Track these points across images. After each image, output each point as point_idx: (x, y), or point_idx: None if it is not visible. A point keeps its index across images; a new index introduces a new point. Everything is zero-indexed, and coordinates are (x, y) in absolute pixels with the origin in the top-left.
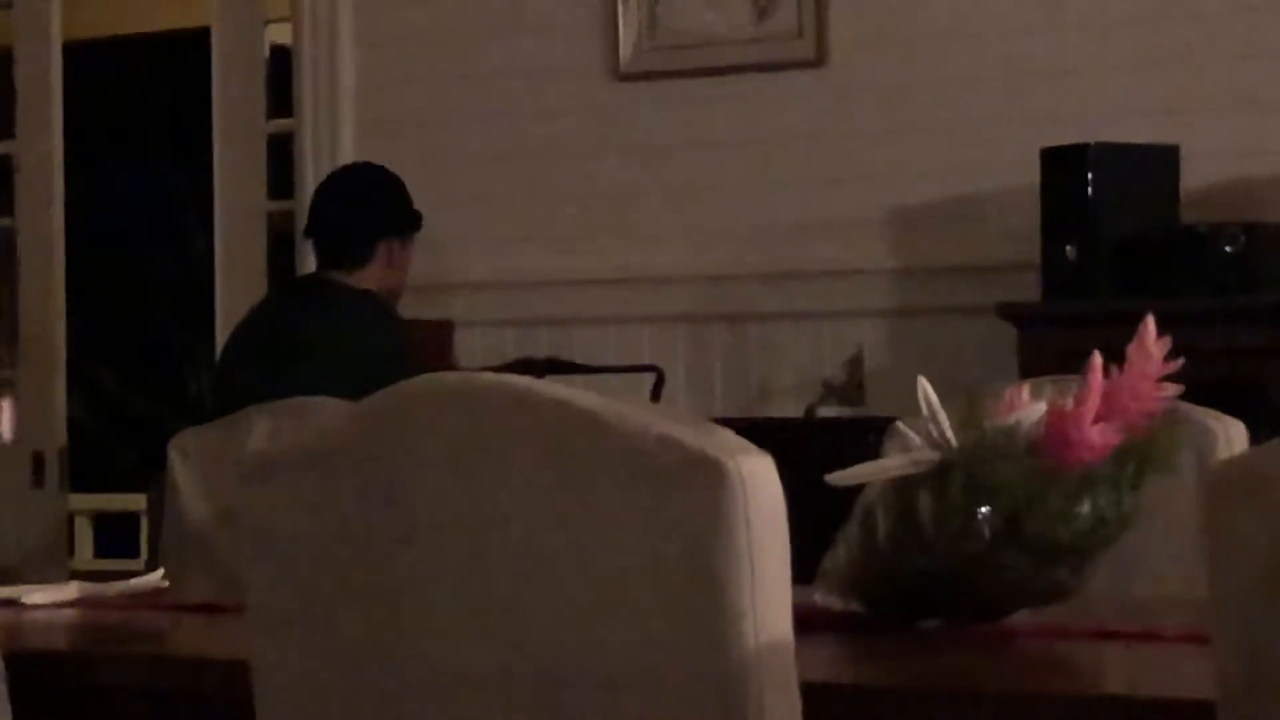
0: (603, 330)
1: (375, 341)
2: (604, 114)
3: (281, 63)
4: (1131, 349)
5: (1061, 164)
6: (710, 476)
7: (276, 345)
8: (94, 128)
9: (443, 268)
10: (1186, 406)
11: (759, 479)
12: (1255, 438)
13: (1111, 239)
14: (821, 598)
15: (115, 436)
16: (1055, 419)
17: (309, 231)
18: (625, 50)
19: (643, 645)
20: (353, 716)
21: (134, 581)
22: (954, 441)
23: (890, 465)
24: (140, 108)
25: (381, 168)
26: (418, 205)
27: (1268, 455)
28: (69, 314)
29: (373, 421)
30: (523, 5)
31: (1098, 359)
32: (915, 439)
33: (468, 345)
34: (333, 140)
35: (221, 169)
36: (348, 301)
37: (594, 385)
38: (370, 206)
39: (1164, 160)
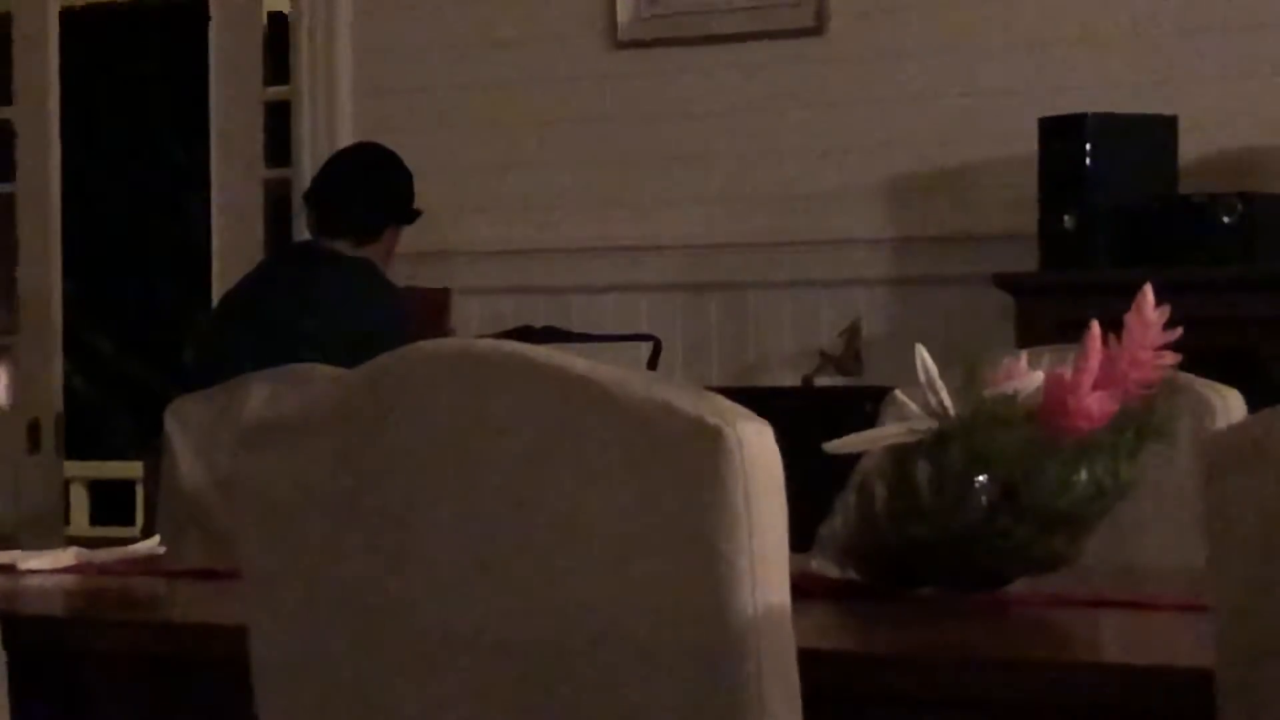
0: (600, 299)
1: (378, 309)
2: (602, 82)
3: (279, 30)
4: (1129, 318)
5: (1060, 134)
6: (709, 443)
7: (277, 309)
8: (92, 94)
9: (440, 235)
10: (1184, 376)
11: (757, 446)
12: (1253, 407)
13: (1109, 209)
14: (818, 565)
15: (112, 403)
16: (1053, 388)
17: (315, 197)
18: (623, 17)
19: (640, 611)
20: (350, 681)
21: (131, 547)
22: (952, 410)
23: (888, 433)
24: (138, 74)
25: (397, 156)
26: (416, 174)
27: (1266, 424)
28: (66, 280)
29: (370, 388)
30: None
31: (1096, 328)
32: (913, 408)
33: (464, 313)
34: (330, 108)
35: (219, 136)
36: (350, 268)
37: (591, 354)
38: (388, 189)
39: (1162, 130)
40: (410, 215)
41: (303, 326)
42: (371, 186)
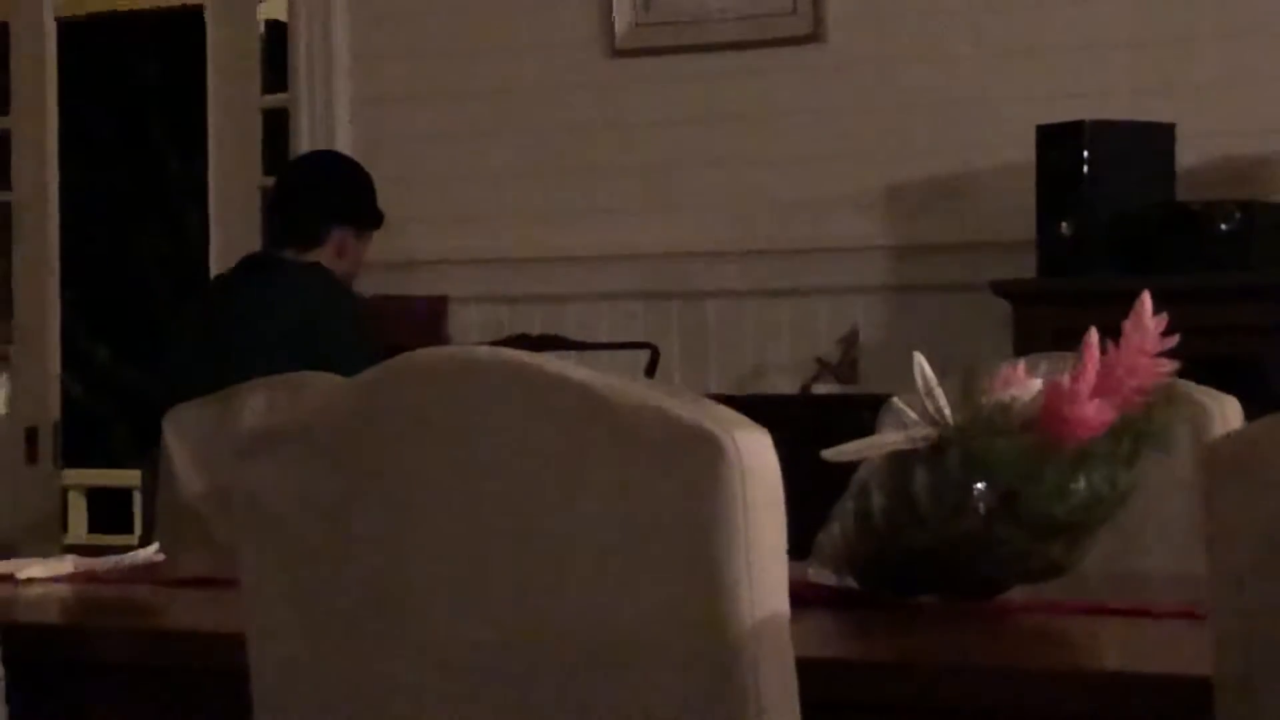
0: (597, 307)
1: (326, 311)
2: (599, 90)
3: (276, 38)
4: (1127, 325)
5: (1057, 141)
6: (707, 451)
7: (223, 321)
8: (89, 104)
9: (437, 243)
10: (1182, 383)
11: (756, 454)
12: (1250, 414)
13: (1107, 216)
14: (816, 573)
15: (109, 412)
16: (1051, 395)
17: (268, 207)
18: (621, 26)
19: (638, 620)
20: (347, 689)
21: (129, 556)
22: (950, 418)
23: (886, 441)
24: (135, 84)
25: (351, 159)
26: (413, 181)
27: (1263, 431)
28: (63, 289)
29: (368, 396)
30: None
31: (1094, 335)
32: (911, 415)
33: (462, 321)
34: (327, 116)
35: (216, 145)
36: (295, 274)
37: (589, 362)
38: (328, 192)
39: (1160, 137)
40: (360, 218)
41: (247, 335)
42: (309, 191)
